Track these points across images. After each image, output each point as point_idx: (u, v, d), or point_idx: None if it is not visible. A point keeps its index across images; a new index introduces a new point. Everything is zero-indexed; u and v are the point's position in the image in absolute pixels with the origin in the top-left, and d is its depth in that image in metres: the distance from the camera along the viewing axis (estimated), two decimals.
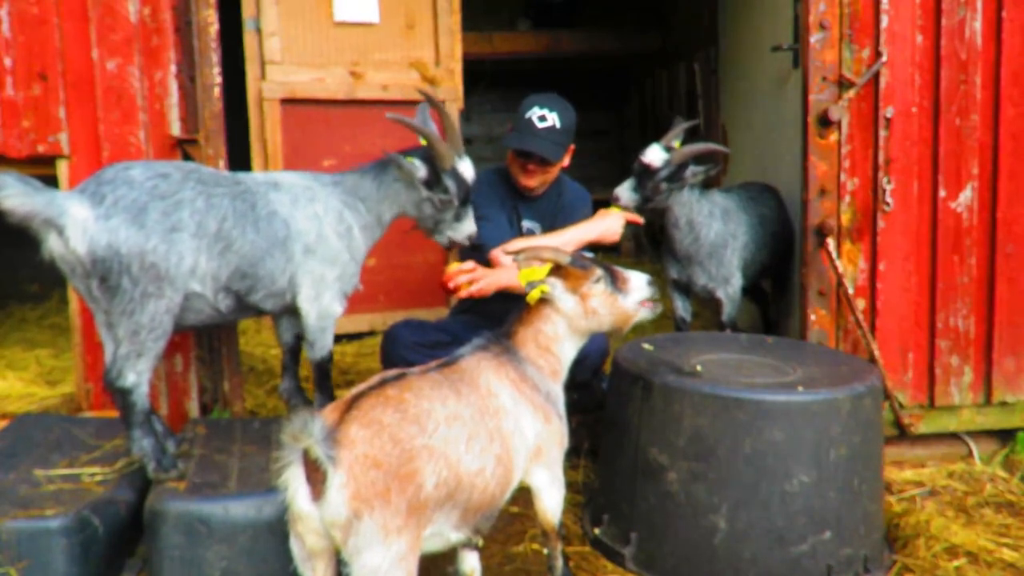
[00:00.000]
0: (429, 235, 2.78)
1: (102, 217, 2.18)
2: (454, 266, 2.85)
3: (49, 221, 2.13)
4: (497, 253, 2.88)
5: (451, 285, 2.81)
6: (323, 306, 2.61)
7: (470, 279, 2.80)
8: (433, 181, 2.64)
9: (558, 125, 3.02)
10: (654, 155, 3.17)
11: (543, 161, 3.04)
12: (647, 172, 3.17)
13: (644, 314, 2.25)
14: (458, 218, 2.72)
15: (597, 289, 2.19)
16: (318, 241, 2.56)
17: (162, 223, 2.25)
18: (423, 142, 2.65)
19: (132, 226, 2.21)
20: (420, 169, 2.61)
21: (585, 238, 3.03)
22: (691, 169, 3.19)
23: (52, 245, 2.18)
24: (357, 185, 2.66)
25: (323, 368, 2.71)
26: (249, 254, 2.43)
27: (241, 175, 2.58)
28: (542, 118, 3.01)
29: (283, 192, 2.54)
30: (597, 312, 2.19)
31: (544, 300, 2.19)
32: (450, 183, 2.64)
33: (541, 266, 2.19)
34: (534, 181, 3.10)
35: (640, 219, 3.18)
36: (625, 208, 3.18)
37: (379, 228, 2.74)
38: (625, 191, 3.19)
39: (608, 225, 3.07)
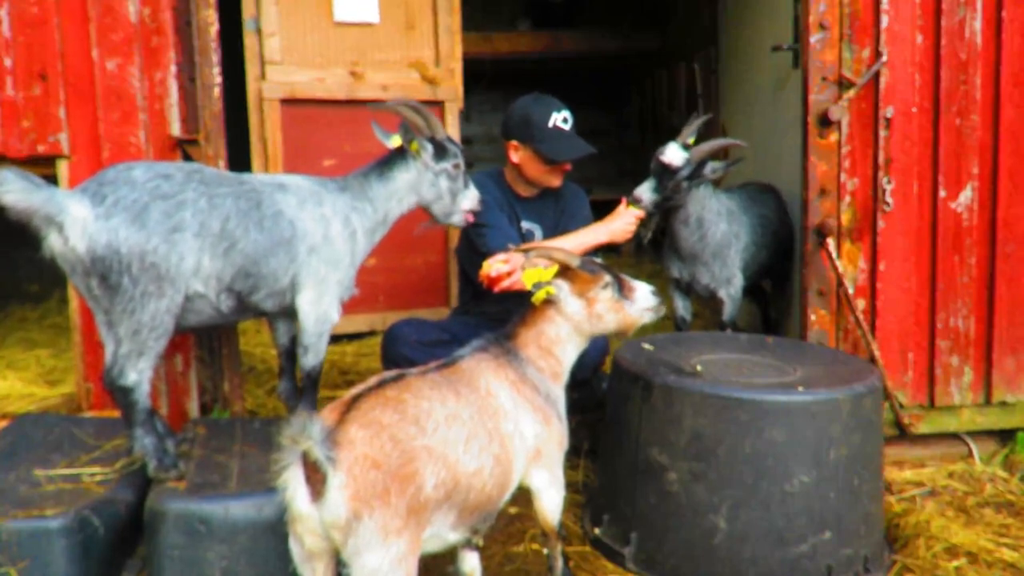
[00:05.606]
0: (446, 218, 2.79)
1: (102, 216, 2.19)
2: (494, 259, 2.77)
3: (48, 218, 2.14)
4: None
5: (493, 274, 2.72)
6: (322, 310, 2.60)
7: (508, 270, 2.72)
8: (440, 150, 2.70)
9: (572, 122, 3.08)
10: (674, 154, 3.12)
11: (575, 160, 3.10)
12: (667, 171, 3.11)
13: (648, 317, 2.25)
14: (466, 183, 2.78)
15: (604, 295, 2.18)
16: (324, 243, 2.56)
17: (163, 223, 2.25)
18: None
19: (132, 226, 2.21)
20: (427, 145, 2.68)
21: (595, 242, 3.01)
22: (711, 166, 3.15)
23: (52, 242, 2.19)
24: (363, 186, 2.68)
25: (313, 377, 2.69)
26: (253, 253, 2.44)
27: (246, 175, 2.59)
28: (565, 120, 3.06)
29: (290, 193, 2.55)
30: (602, 318, 2.19)
31: (548, 302, 2.19)
32: (450, 146, 2.72)
33: (548, 267, 2.19)
34: (561, 180, 3.15)
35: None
36: (644, 208, 3.12)
37: (384, 227, 2.75)
38: (646, 192, 3.12)
39: (618, 226, 3.07)
